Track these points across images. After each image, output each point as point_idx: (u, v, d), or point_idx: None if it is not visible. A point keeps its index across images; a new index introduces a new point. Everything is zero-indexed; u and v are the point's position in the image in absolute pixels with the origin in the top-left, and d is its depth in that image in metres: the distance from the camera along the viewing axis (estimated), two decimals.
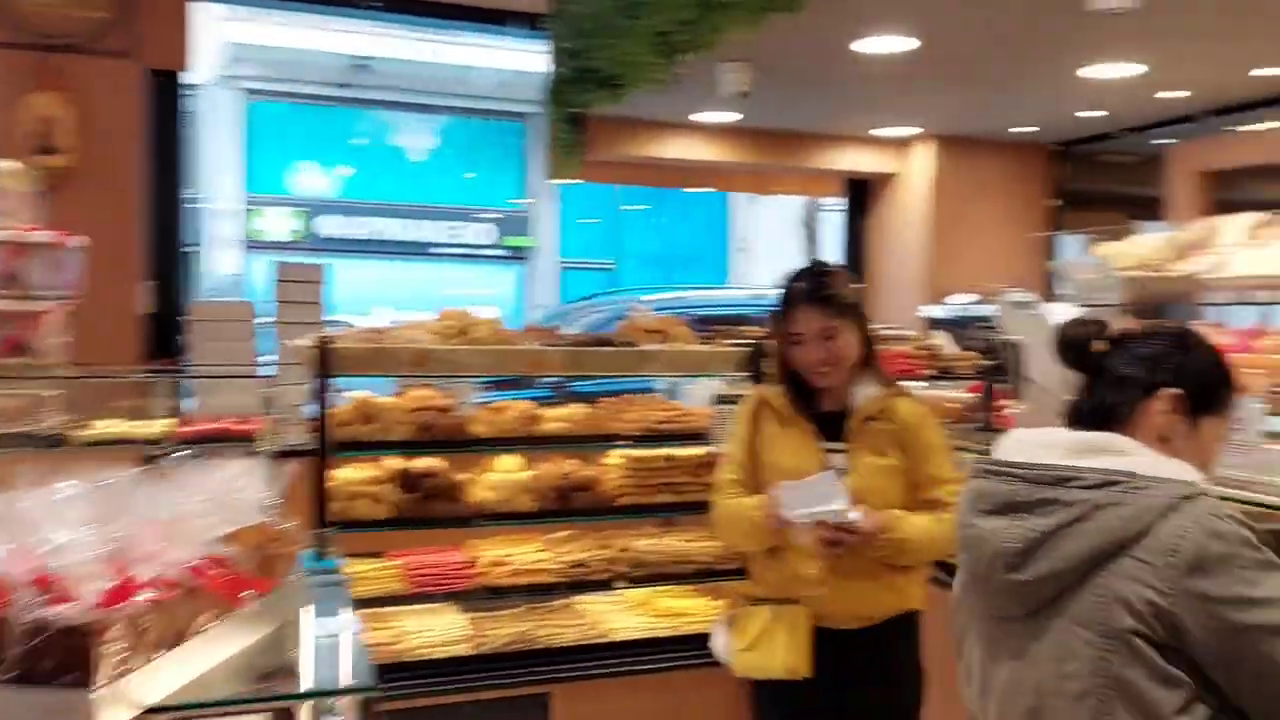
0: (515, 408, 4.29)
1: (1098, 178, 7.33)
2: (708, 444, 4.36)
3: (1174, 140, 5.83)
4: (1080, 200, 7.13)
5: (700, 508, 4.41)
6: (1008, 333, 6.26)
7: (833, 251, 18.15)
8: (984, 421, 3.91)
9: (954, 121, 6.22)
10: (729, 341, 4.54)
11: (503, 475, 4.21)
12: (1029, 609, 1.63)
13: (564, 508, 4.20)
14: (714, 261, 19.36)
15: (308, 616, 2.05)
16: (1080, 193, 7.09)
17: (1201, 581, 1.49)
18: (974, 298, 6.44)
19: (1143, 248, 5.39)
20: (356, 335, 3.99)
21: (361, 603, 3.83)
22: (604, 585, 4.23)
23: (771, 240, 19.41)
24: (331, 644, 1.99)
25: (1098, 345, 1.79)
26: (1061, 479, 1.61)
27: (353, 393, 4.19)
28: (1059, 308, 6.53)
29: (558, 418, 4.27)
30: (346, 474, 4.04)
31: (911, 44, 4.71)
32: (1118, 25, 4.30)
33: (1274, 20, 4.29)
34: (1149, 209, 7.43)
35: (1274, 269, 4.66)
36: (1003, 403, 3.91)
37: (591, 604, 4.42)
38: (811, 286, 2.77)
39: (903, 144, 6.83)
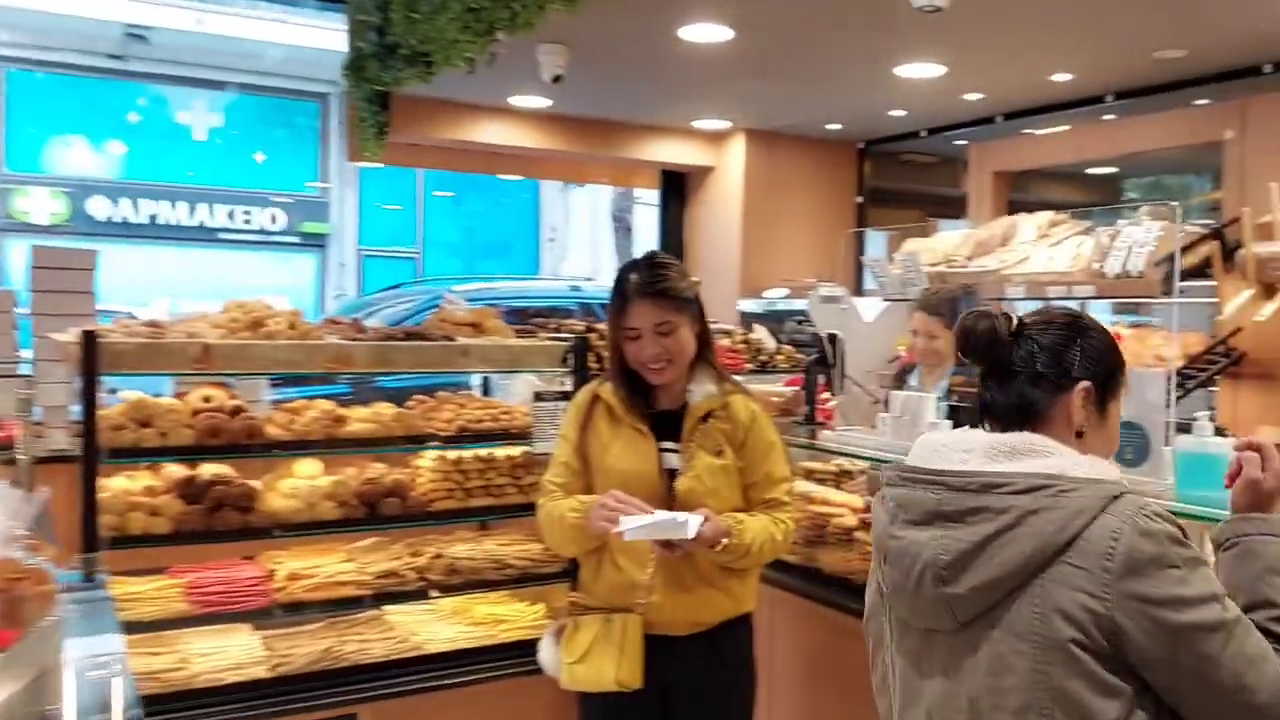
0: (315, 408, 3.95)
1: (900, 176, 7.57)
2: (527, 443, 4.15)
3: (973, 141, 6.05)
4: (883, 198, 7.33)
5: (520, 510, 4.22)
6: (819, 327, 6.37)
7: (647, 245, 18.32)
8: (806, 415, 3.88)
9: (768, 116, 6.24)
10: (548, 335, 4.34)
11: (302, 482, 3.86)
12: (961, 621, 1.57)
13: (372, 515, 3.89)
14: (523, 252, 19.08)
15: (71, 654, 1.73)
16: (883, 190, 7.29)
17: (1136, 584, 1.46)
18: (785, 292, 6.51)
19: (945, 243, 5.54)
20: (130, 328, 3.55)
21: (141, 627, 3.45)
22: (418, 595, 3.96)
23: (582, 231, 19.33)
24: (99, 683, 1.68)
25: (1004, 338, 1.71)
26: (989, 485, 1.56)
27: (127, 393, 3.74)
28: (867, 302, 6.69)
29: (363, 418, 3.95)
30: (120, 484, 3.60)
31: (726, 34, 4.63)
32: (925, 26, 4.36)
33: (1068, 29, 4.45)
34: (949, 207, 7.74)
35: (1065, 265, 4.86)
36: (824, 396, 3.90)
37: (403, 615, 4.14)
38: (647, 279, 2.62)
39: (719, 137, 6.80)
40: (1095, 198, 7.79)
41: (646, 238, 18.20)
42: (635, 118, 6.41)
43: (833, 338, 3.86)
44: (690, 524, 2.40)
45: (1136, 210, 4.77)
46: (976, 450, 1.61)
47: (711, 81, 5.50)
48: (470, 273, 17.53)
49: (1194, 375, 4.53)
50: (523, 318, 9.16)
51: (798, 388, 4.17)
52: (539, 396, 4.08)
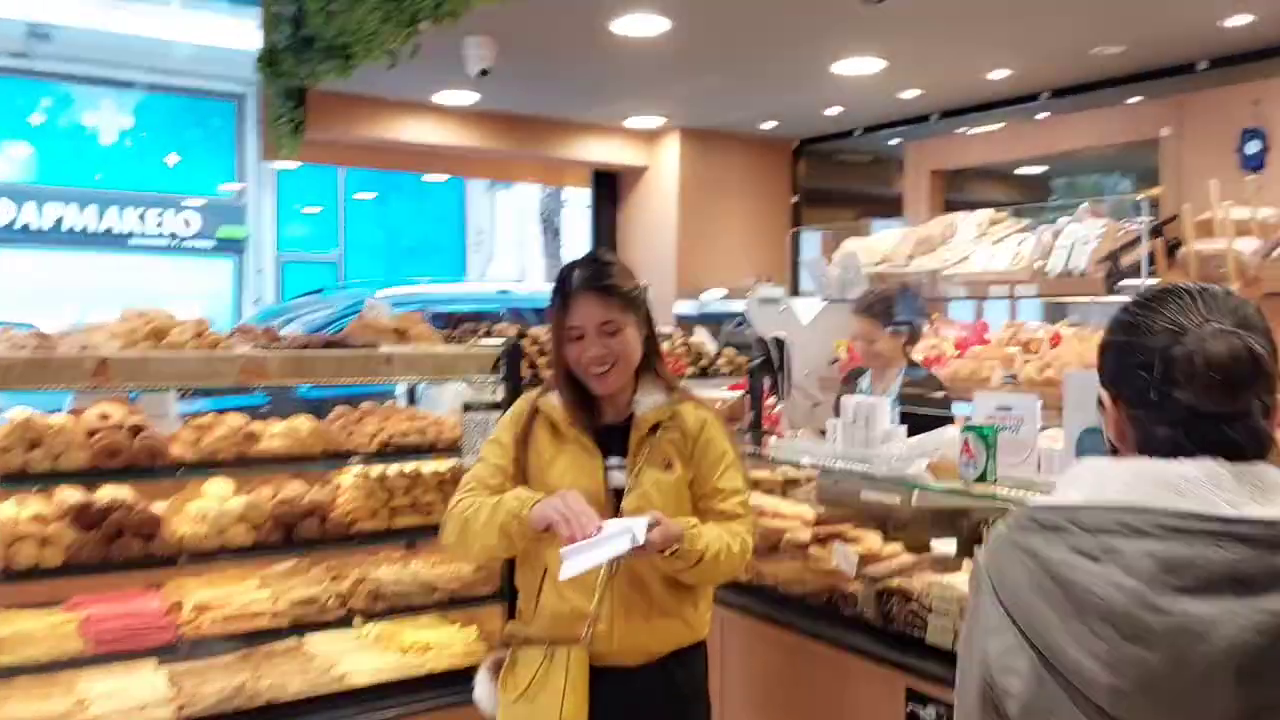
0: (224, 424, 3.66)
1: (834, 176, 7.48)
2: (456, 457, 3.91)
3: (909, 140, 5.96)
4: (818, 198, 7.23)
5: None
6: (759, 329, 6.23)
7: (577, 247, 18.07)
8: (751, 422, 3.70)
9: (704, 114, 6.08)
10: (479, 342, 4.10)
11: (211, 504, 3.57)
12: None
13: (289, 539, 3.62)
14: (449, 255, 18.69)
15: None
16: (817, 190, 7.19)
17: None
18: (723, 294, 6.35)
19: (884, 243, 5.44)
20: (15, 341, 3.23)
21: (33, 668, 3.15)
22: (340, 623, 3.69)
23: (510, 234, 19.03)
24: None
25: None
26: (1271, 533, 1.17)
27: (15, 411, 3.42)
28: (806, 303, 6.57)
29: (278, 434, 3.67)
30: (7, 511, 3.28)
31: (663, 24, 4.45)
32: (865, 19, 4.24)
33: (1008, 23, 4.35)
34: (883, 207, 7.67)
35: (1006, 264, 4.78)
36: (770, 401, 3.73)
37: (325, 645, 3.86)
38: (592, 274, 2.42)
39: (653, 136, 6.62)
40: (1025, 197, 7.79)
41: (576, 240, 17.98)
42: (566, 115, 6.19)
43: (779, 341, 3.69)
44: (637, 528, 2.18)
45: (1076, 208, 4.71)
46: (1229, 487, 1.23)
47: (645, 77, 5.31)
48: (394, 277, 17.12)
49: None
50: (450, 323, 8.92)
51: (742, 393, 4.00)
52: (469, 407, 3.84)
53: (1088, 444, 2.42)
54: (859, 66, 4.79)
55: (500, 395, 3.95)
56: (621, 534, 2.15)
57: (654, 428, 2.47)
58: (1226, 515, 1.18)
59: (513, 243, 19.15)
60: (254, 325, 4.00)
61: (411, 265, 17.63)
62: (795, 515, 3.14)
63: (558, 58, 4.94)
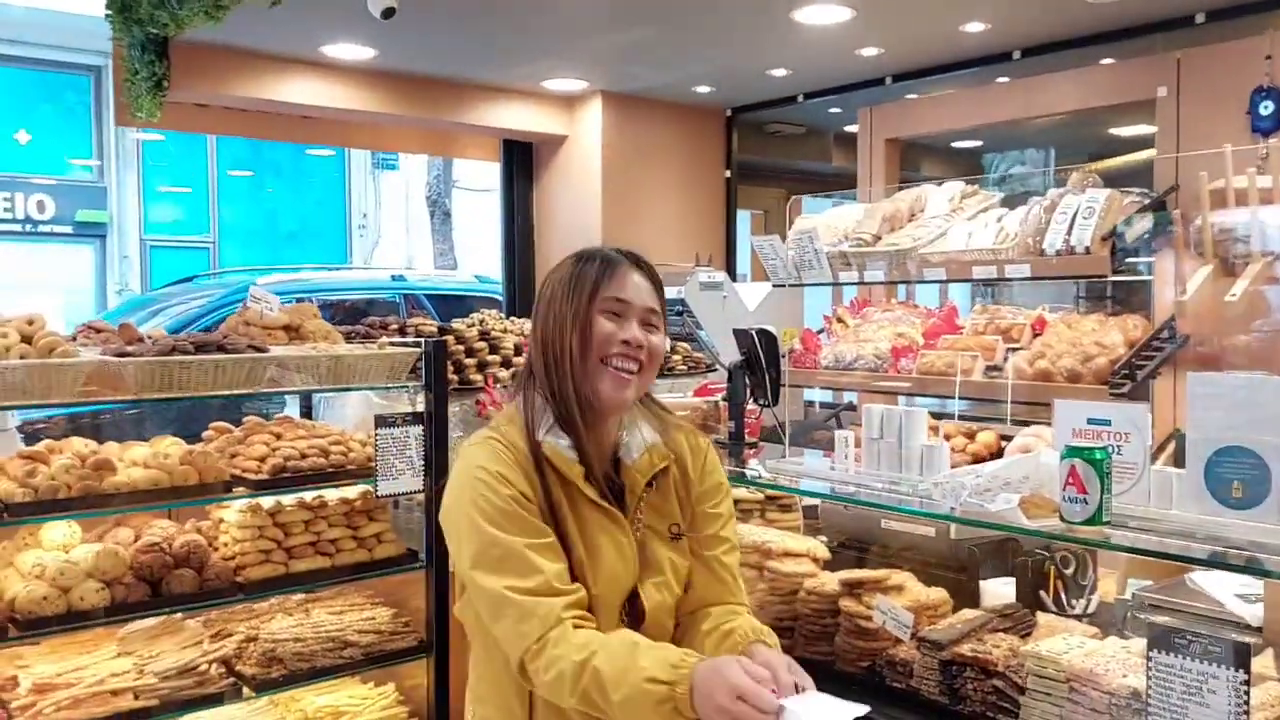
0: (67, 451, 2.85)
1: (765, 149, 6.90)
2: (368, 482, 3.18)
3: (862, 105, 5.41)
4: (749, 172, 6.64)
5: (364, 570, 3.24)
6: (699, 317, 5.60)
7: (470, 232, 17.21)
8: (731, 434, 3.07)
9: (632, 75, 5.40)
10: (391, 340, 3.36)
11: (51, 556, 2.77)
12: None
13: (155, 595, 2.84)
14: (331, 240, 17.58)
15: None
16: (748, 164, 6.60)
17: None
18: None
19: (844, 219, 4.87)
20: None
21: None
22: (225, 697, 2.94)
23: (397, 218, 18.06)
24: None
25: None
26: None
27: None
28: (752, 288, 5.97)
29: (141, 461, 2.88)
30: None
31: None
32: None
33: None
34: (816, 184, 7.14)
35: (990, 242, 4.27)
36: (753, 407, 3.11)
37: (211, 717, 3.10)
38: (633, 255, 1.79)
39: (573, 101, 5.90)
40: (961, 172, 7.36)
41: (468, 224, 17.11)
42: (474, 76, 5.43)
43: (765, 334, 3.07)
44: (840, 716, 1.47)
45: (1067, 179, 4.22)
46: None
47: (569, 29, 4.61)
48: (273, 263, 15.98)
49: (1142, 365, 3.99)
50: (346, 315, 8.05)
51: (714, 399, 3.37)
52: (383, 422, 3.12)
53: (1226, 470, 1.87)
54: (823, 14, 4.19)
55: (421, 405, 3.24)
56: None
57: (654, 477, 1.79)
58: None
59: (400, 227, 18.17)
60: (105, 322, 3.18)
61: (291, 251, 16.52)
62: (806, 553, 2.52)
63: (468, 6, 4.20)
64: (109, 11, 4.62)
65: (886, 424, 2.50)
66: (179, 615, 3.07)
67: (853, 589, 2.29)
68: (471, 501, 1.66)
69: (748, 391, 3.11)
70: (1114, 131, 6.58)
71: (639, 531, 1.76)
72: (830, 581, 2.35)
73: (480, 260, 16.73)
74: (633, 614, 1.73)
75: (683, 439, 1.86)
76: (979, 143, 7.59)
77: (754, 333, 3.05)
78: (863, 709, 1.47)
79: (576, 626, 1.59)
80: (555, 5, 4.27)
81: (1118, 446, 2.01)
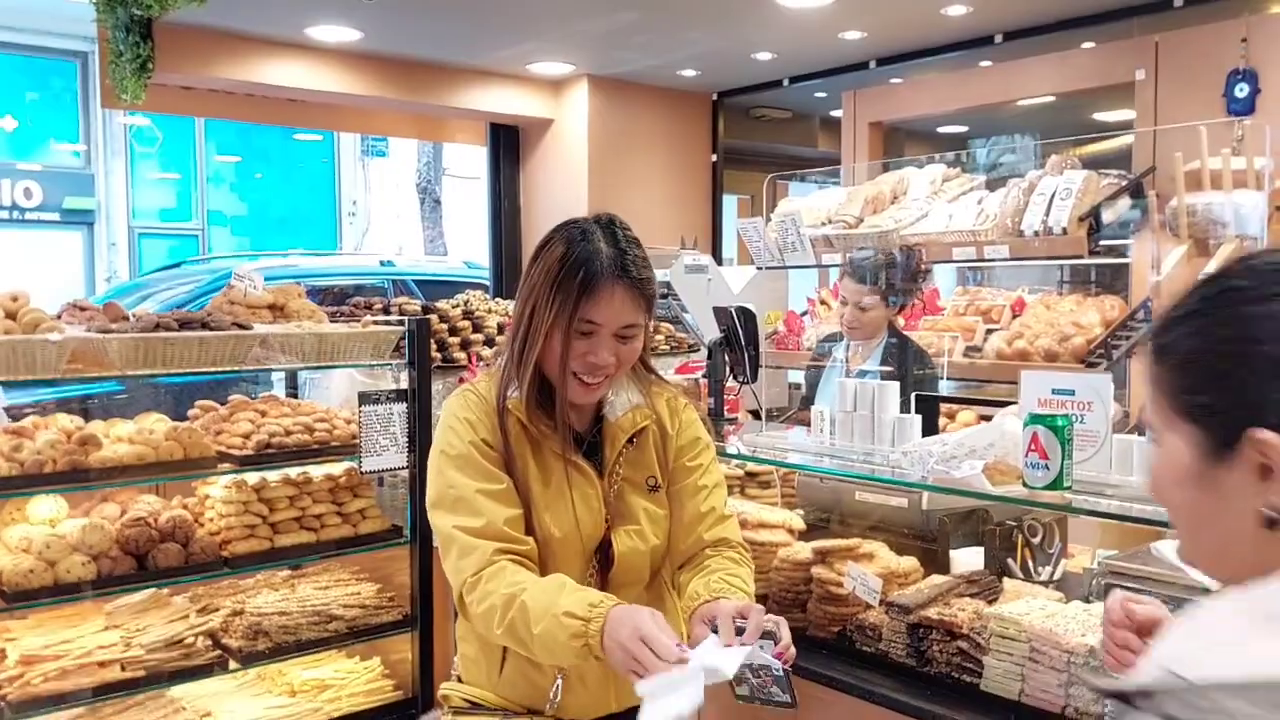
0: (52, 426, 2.89)
1: (751, 133, 6.93)
2: (352, 459, 3.22)
3: (846, 90, 5.44)
4: (735, 156, 6.67)
5: (347, 545, 3.28)
6: (685, 300, 5.63)
7: (458, 218, 17.19)
8: (710, 409, 3.12)
9: (618, 59, 5.42)
10: (375, 319, 3.40)
11: (37, 530, 2.80)
12: None
13: (141, 569, 2.88)
14: (321, 227, 17.52)
15: None
16: (735, 149, 6.63)
17: None
18: None
19: (827, 202, 4.91)
20: None
21: None
22: (211, 669, 2.98)
23: (386, 204, 18.01)
24: None
25: None
26: None
27: None
28: (736, 271, 6.01)
29: (126, 438, 2.92)
30: None
31: None
32: None
33: None
34: (802, 167, 7.17)
35: (970, 223, 4.31)
36: (732, 384, 3.16)
37: (195, 692, 3.14)
38: (623, 259, 1.73)
39: (559, 85, 5.92)
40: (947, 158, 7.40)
41: (457, 211, 17.11)
42: (460, 59, 5.45)
43: (744, 311, 3.11)
44: (727, 662, 1.52)
45: (1046, 161, 4.26)
46: None
47: (555, 12, 4.63)
48: (261, 249, 15.94)
49: (1117, 344, 4.05)
50: (332, 298, 8.06)
51: (695, 376, 3.42)
52: (366, 399, 3.16)
53: None
54: None
55: (404, 383, 3.28)
56: (707, 671, 1.50)
57: (633, 436, 1.86)
58: None
59: (389, 214, 18.12)
60: (88, 302, 3.20)
61: (280, 238, 16.46)
62: (781, 524, 2.57)
63: None
64: None
65: (860, 397, 2.54)
66: (166, 590, 3.11)
67: (825, 557, 2.34)
68: (439, 447, 1.82)
69: (727, 369, 3.15)
70: (1097, 116, 6.63)
71: (615, 484, 1.85)
72: (803, 550, 2.40)
73: (470, 247, 16.74)
74: (604, 560, 1.80)
75: (663, 401, 1.94)
76: (965, 128, 7.62)
77: (733, 310, 3.09)
78: (772, 662, 1.54)
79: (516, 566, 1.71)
80: None
81: (1080, 415, 2.06)
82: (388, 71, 5.42)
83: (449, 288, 8.56)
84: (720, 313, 3.15)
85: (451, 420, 1.83)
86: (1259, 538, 0.82)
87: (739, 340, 3.04)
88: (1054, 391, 2.11)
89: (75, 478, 2.75)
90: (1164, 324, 0.92)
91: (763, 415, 3.07)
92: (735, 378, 3.14)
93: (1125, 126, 6.60)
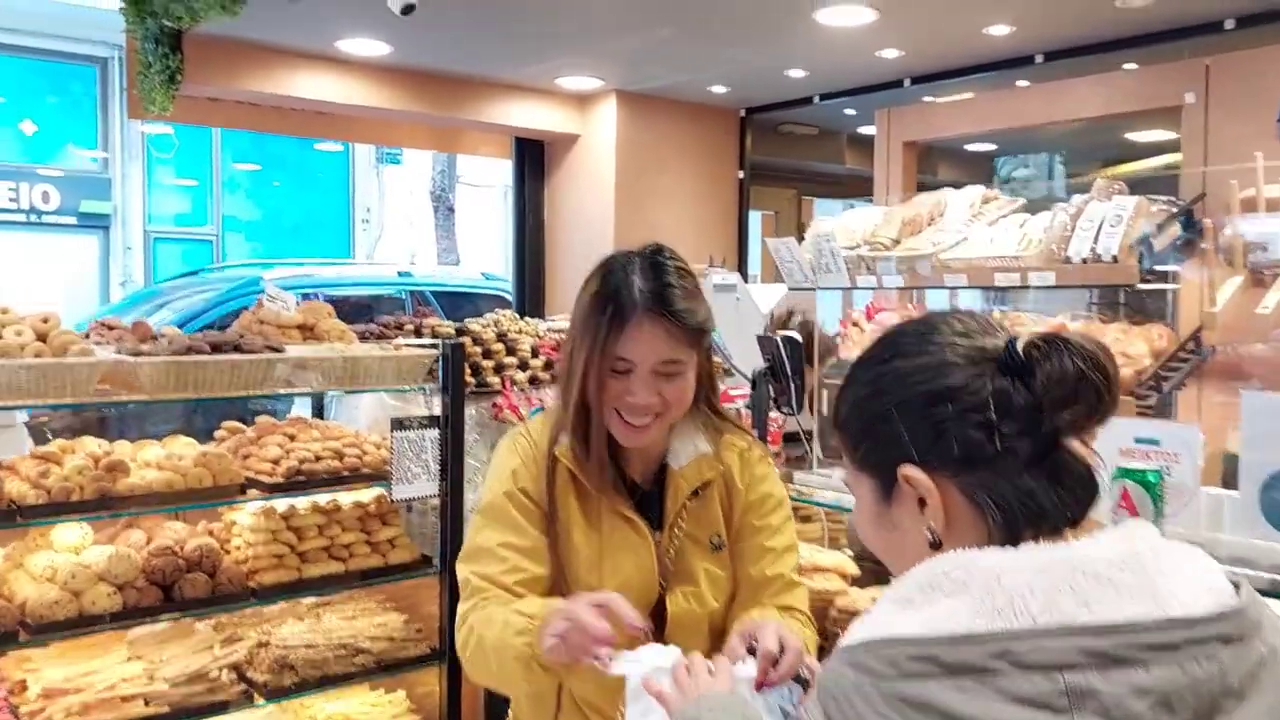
0: (79, 451, 2.80)
1: (778, 149, 6.84)
2: (383, 485, 3.13)
3: (880, 108, 5.34)
4: (761, 172, 6.58)
5: (376, 575, 3.20)
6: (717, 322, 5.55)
7: (472, 227, 17.13)
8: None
9: (647, 74, 5.34)
10: (407, 341, 3.31)
11: (62, 558, 2.72)
12: None
13: (168, 600, 2.79)
14: (335, 233, 17.49)
15: None
16: (761, 165, 6.54)
17: None
18: None
19: (862, 222, 4.81)
20: None
21: None
22: (236, 703, 2.88)
23: (400, 212, 17.97)
24: None
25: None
26: (1247, 623, 0.94)
27: None
28: (766, 290, 5.90)
29: (155, 463, 2.83)
30: None
31: None
32: None
33: None
34: (830, 185, 7.09)
35: (1012, 248, 4.22)
36: (776, 417, 3.06)
37: None
38: (659, 291, 1.62)
39: (587, 99, 5.84)
40: (977, 175, 7.30)
41: (472, 219, 17.06)
42: (488, 73, 5.38)
43: (791, 341, 3.01)
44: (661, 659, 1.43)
45: (1081, 184, 4.16)
46: (1165, 567, 0.95)
47: (588, 27, 4.55)
48: (275, 256, 15.90)
49: (1167, 377, 3.94)
50: (346, 309, 7.98)
51: (733, 406, 3.31)
52: (399, 424, 3.07)
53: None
54: (846, 16, 4.13)
55: (436, 408, 3.19)
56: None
57: (698, 489, 1.75)
58: (1195, 615, 0.91)
59: (403, 221, 18.08)
60: (118, 319, 3.13)
61: (294, 244, 16.43)
62: (834, 567, 2.47)
63: (487, 3, 4.14)
64: (124, 4, 4.56)
65: None
66: (188, 620, 3.02)
67: None
68: (483, 493, 1.77)
69: (771, 400, 3.05)
70: (1129, 137, 6.53)
71: (676, 540, 1.73)
72: (863, 600, 2.30)
73: (483, 255, 16.67)
74: (658, 623, 1.69)
75: (735, 453, 1.80)
76: (993, 146, 7.54)
77: (779, 339, 2.99)
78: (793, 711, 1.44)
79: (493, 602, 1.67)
80: (575, 5, 4.21)
81: (1167, 467, 1.96)
82: (414, 84, 5.35)
83: (467, 299, 8.48)
84: (765, 341, 3.06)
85: (496, 465, 1.77)
86: (932, 557, 0.96)
87: (784, 371, 2.95)
88: (1137, 440, 2.01)
89: (103, 505, 2.67)
90: (835, 398, 1.08)
91: (813, 451, 2.97)
92: (780, 409, 3.04)
93: (1158, 148, 6.49)
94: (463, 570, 1.73)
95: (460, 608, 1.71)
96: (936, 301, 5.33)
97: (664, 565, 1.72)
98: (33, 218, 14.86)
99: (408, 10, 3.64)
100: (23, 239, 14.67)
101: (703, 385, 1.75)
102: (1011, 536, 0.95)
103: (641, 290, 1.62)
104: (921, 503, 0.98)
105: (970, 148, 7.43)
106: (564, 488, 1.72)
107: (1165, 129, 5.83)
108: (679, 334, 1.63)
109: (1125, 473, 1.84)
